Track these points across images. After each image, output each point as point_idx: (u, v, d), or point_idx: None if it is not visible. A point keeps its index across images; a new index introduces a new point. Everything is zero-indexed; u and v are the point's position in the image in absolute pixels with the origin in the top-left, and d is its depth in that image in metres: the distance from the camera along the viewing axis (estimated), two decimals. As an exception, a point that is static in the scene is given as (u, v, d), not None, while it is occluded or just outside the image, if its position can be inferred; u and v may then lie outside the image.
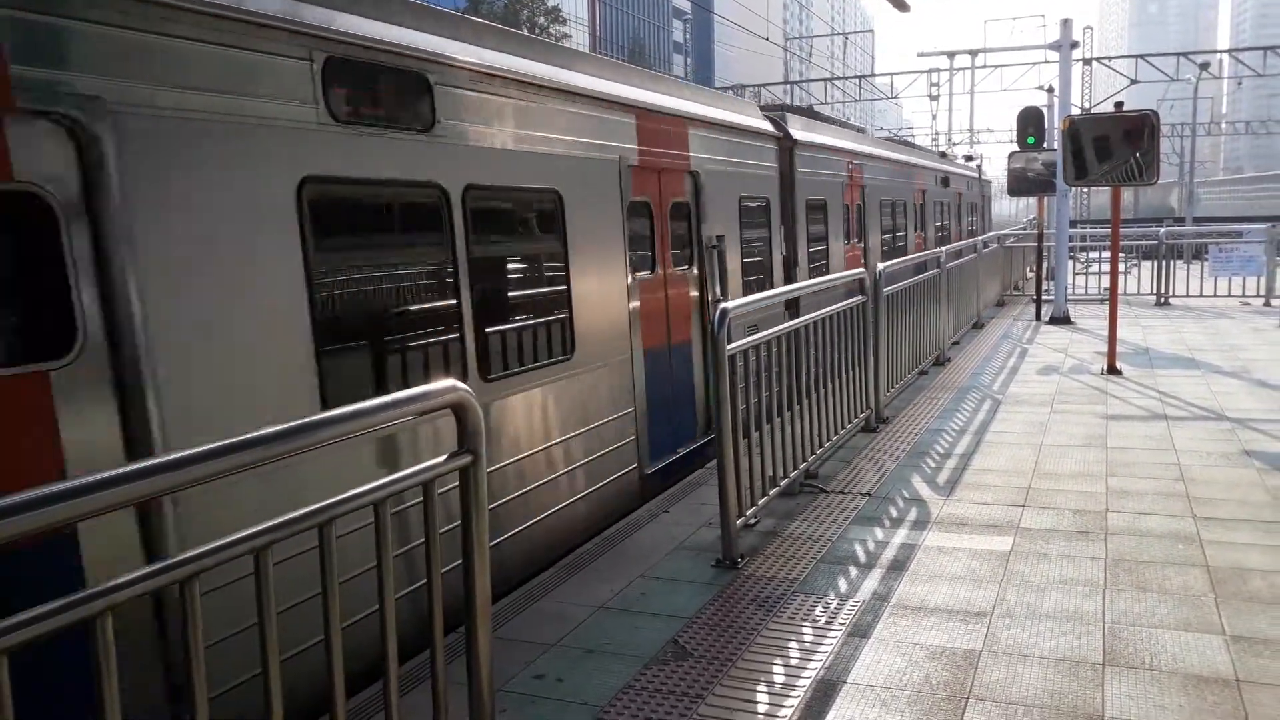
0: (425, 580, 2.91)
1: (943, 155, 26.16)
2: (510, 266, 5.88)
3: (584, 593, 4.94)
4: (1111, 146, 10.44)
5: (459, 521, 3.00)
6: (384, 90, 4.58)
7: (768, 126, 10.07)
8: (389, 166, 4.56)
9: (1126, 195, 13.24)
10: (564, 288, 6.24)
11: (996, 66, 37.36)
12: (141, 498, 2.06)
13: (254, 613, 2.33)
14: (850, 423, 7.34)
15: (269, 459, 2.34)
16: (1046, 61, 33.46)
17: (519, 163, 5.63)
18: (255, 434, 2.31)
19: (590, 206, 6.47)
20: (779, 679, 3.93)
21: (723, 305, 5.10)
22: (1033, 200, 21.44)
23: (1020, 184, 16.86)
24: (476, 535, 3.01)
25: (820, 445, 6.59)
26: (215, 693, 2.33)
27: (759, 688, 3.86)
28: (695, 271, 8.25)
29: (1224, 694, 3.65)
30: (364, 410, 2.64)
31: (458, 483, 2.98)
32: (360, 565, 3.25)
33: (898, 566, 5.10)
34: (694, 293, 8.23)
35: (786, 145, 10.42)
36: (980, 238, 16.25)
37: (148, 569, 2.05)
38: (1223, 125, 75.06)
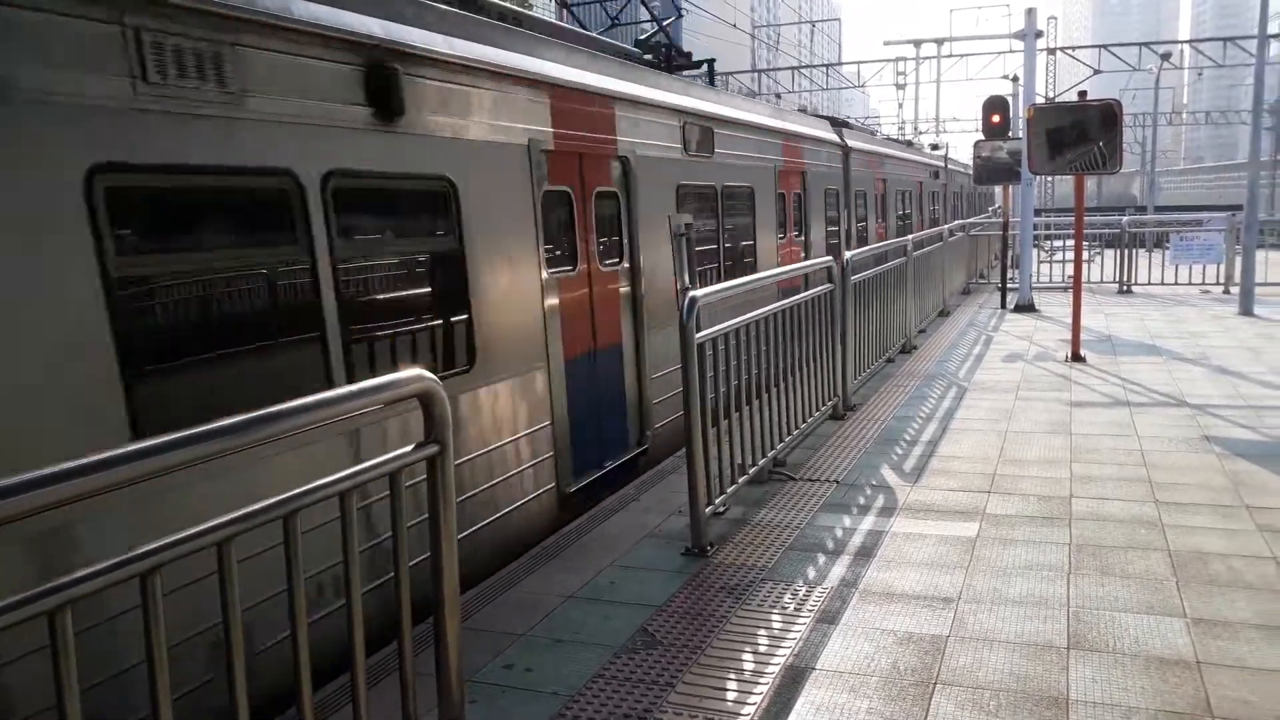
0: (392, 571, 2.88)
1: (909, 144, 26.15)
2: None
3: (553, 582, 4.92)
4: (1075, 135, 10.53)
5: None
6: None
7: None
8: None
9: (1090, 184, 13.28)
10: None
11: (962, 56, 37.58)
12: (105, 489, 2.01)
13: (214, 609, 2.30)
14: (818, 410, 7.37)
15: (233, 449, 2.30)
16: (1011, 51, 33.78)
17: None
18: (217, 424, 2.27)
19: None
20: (748, 666, 3.94)
21: (691, 293, 5.09)
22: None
23: (986, 173, 16.99)
24: (444, 525, 2.98)
25: (788, 433, 6.61)
26: (177, 692, 2.28)
27: (728, 675, 3.87)
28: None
29: (1185, 675, 3.71)
30: (330, 399, 2.61)
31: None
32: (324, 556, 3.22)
33: (865, 553, 5.13)
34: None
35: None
36: (945, 226, 16.34)
37: (107, 563, 2.01)
38: (1184, 115, 76.08)
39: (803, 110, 16.15)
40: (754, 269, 10.14)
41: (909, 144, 26.08)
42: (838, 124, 15.59)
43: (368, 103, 4.66)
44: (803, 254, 12.31)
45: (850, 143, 15.22)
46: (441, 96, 5.27)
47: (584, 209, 6.82)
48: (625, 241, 7.46)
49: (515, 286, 5.93)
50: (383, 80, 4.73)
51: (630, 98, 7.58)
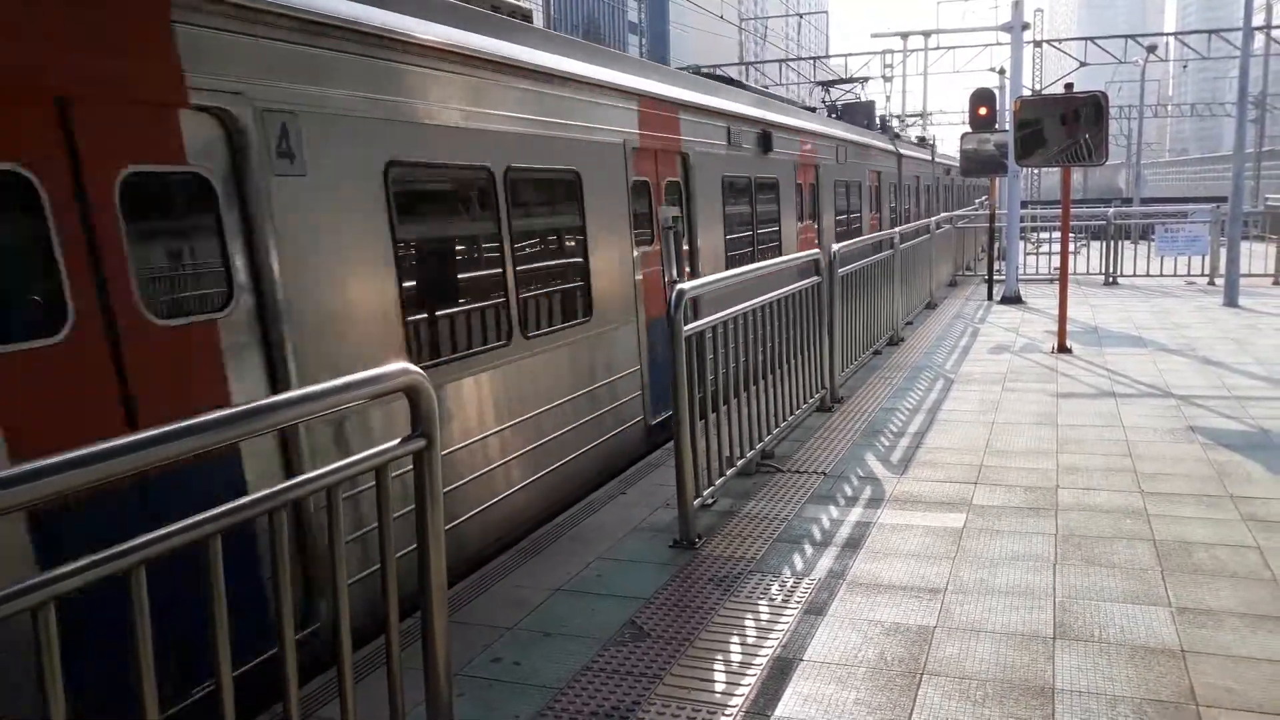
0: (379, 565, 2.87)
1: (896, 137, 26.07)
2: None
3: (541, 575, 4.92)
4: (1062, 127, 10.56)
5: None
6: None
7: None
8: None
9: (1076, 176, 13.36)
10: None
11: (949, 48, 37.67)
12: (98, 481, 2.00)
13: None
14: (806, 403, 7.38)
15: (223, 441, 2.30)
16: (998, 43, 33.87)
17: None
18: (209, 417, 2.26)
19: None
20: (736, 657, 3.95)
21: (679, 286, 5.09)
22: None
23: (972, 165, 17.01)
24: (431, 520, 2.97)
25: (776, 425, 6.62)
26: (163, 687, 2.27)
27: (716, 666, 3.88)
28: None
29: (1170, 664, 3.73)
30: (316, 393, 2.59)
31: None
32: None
33: (853, 544, 5.14)
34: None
35: None
36: (933, 218, 16.35)
37: (85, 560, 2.00)
38: (1169, 107, 76.38)
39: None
40: (505, 323, 6.03)
41: (896, 136, 25.77)
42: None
43: None
44: (631, 276, 7.86)
45: (730, 106, 10.38)
46: None
47: (78, 210, 3.50)
48: (242, 266, 4.15)
49: None
50: None
51: None
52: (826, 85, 24.23)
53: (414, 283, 5.18)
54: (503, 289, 5.96)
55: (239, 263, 4.12)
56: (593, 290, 7.10)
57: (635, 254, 7.81)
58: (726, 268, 9.26)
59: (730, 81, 12.11)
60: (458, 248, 5.77)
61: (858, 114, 20.72)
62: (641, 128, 8.01)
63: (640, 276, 7.94)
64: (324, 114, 4.51)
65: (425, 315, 5.27)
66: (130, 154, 3.67)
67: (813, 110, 16.71)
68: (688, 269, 9.00)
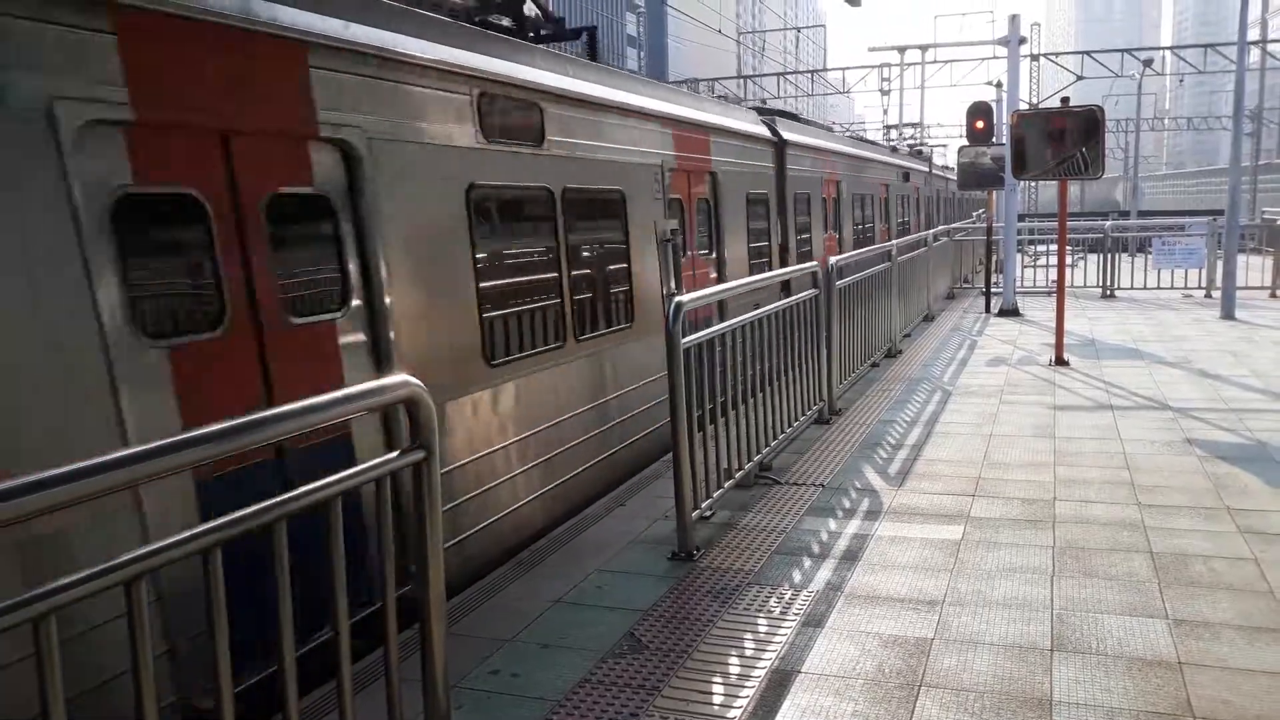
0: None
1: (893, 149, 26.25)
2: None
3: (540, 587, 4.92)
4: (1058, 141, 10.61)
5: None
6: None
7: None
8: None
9: (1073, 189, 13.40)
10: None
11: (946, 62, 37.73)
12: (95, 494, 2.01)
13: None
14: (804, 415, 7.40)
15: (221, 454, 2.31)
16: (995, 57, 34.00)
17: None
18: (205, 430, 2.27)
19: None
20: (734, 670, 3.95)
21: (676, 299, 5.11)
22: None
23: (970, 178, 17.07)
24: (430, 531, 2.99)
25: (774, 437, 6.63)
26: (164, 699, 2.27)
27: (715, 679, 3.88)
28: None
29: (1167, 676, 3.74)
30: (317, 405, 2.61)
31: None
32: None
33: (851, 556, 5.15)
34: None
35: None
36: (931, 231, 16.40)
37: (91, 570, 2.01)
38: (1166, 121, 76.70)
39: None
40: None
41: (894, 149, 26.08)
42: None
43: None
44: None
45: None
46: None
47: None
48: None
49: None
50: None
51: None
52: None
53: None
54: None
55: None
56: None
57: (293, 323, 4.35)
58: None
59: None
60: None
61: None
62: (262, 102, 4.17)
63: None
64: None
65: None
66: None
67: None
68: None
